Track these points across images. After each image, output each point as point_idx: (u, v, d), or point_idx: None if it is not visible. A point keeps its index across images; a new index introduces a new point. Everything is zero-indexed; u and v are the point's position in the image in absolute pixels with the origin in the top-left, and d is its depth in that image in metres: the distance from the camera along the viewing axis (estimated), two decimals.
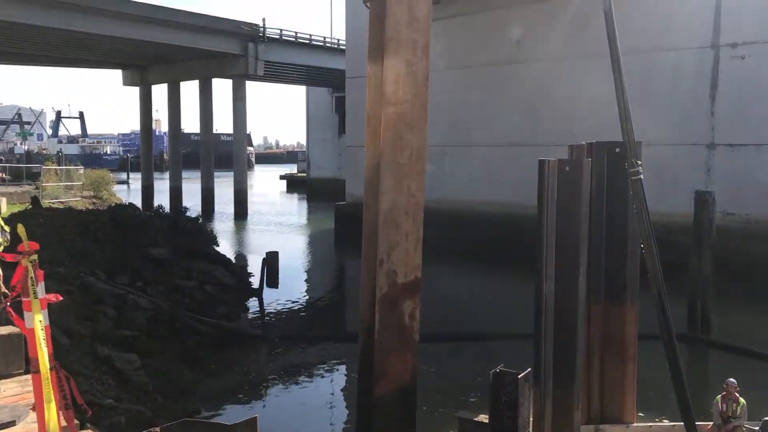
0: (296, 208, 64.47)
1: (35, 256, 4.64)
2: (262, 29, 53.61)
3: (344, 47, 48.02)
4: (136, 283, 19.37)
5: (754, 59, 27.26)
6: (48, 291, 4.85)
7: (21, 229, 4.63)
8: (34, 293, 4.58)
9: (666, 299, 8.64)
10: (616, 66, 7.45)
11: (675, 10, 29.15)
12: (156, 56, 55.45)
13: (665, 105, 28.28)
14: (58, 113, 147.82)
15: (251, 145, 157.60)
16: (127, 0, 43.93)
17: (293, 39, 57.57)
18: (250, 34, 52.81)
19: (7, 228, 6.09)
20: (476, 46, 35.35)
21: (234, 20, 53.17)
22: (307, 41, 59.17)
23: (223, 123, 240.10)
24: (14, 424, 6.15)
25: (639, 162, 8.56)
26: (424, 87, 5.48)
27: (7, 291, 5.47)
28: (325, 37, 61.52)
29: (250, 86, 58.54)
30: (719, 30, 28.19)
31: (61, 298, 5.30)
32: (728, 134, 27.72)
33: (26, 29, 41.01)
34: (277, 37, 55.77)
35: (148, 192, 61.14)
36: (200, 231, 26.72)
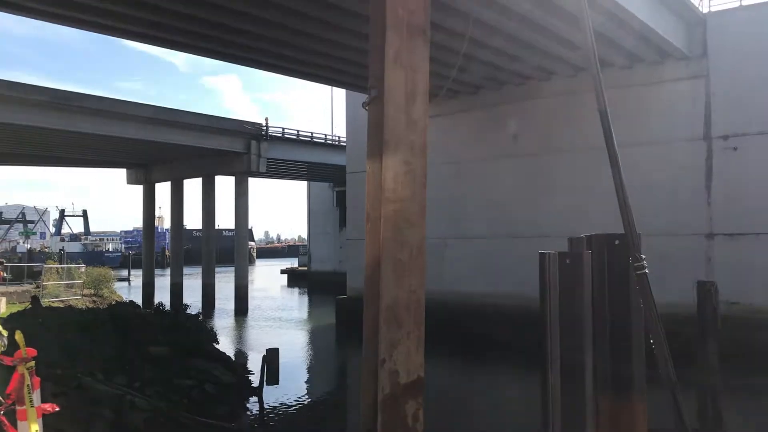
0: (297, 303, 64.04)
1: (32, 363, 4.58)
2: (264, 128, 54.99)
3: (345, 144, 49.10)
4: (135, 383, 18.99)
5: (746, 150, 27.84)
6: (44, 392, 4.75)
7: (19, 336, 4.59)
8: (30, 401, 4.50)
9: (680, 397, 8.46)
10: (614, 161, 7.60)
11: (668, 105, 30.04)
12: (160, 156, 56.61)
13: (663, 196, 28.67)
14: (62, 212, 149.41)
15: (252, 239, 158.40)
16: (134, 102, 45.30)
17: (295, 137, 58.95)
18: (253, 133, 54.09)
19: (5, 332, 6.05)
20: (474, 140, 36.17)
21: (238, 120, 54.57)
22: (309, 139, 60.56)
23: (224, 217, 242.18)
24: None
25: (643, 256, 8.59)
26: (422, 185, 5.57)
27: (1, 398, 5.37)
28: (326, 135, 63.02)
29: (252, 182, 59.54)
30: (710, 123, 28.92)
31: (58, 408, 5.19)
32: (726, 224, 27.95)
33: (34, 132, 42.03)
34: (280, 135, 57.13)
35: (149, 289, 60.93)
36: (200, 328, 26.46)
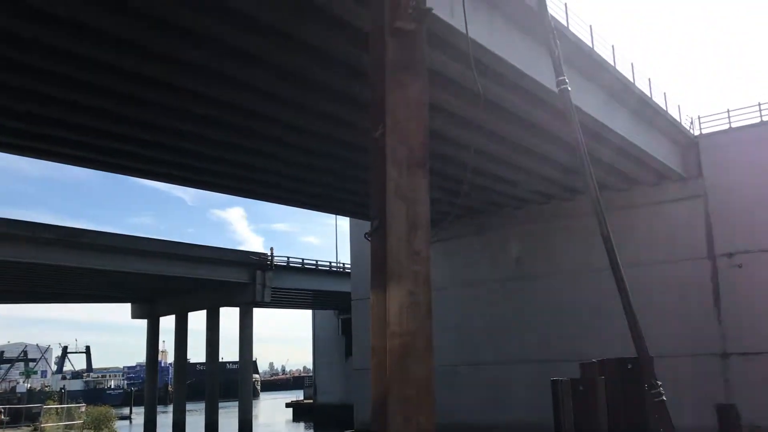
0: None
1: None
2: (270, 258, 55.28)
3: (349, 270, 49.15)
4: None
5: (752, 267, 27.72)
6: None
7: None
8: None
9: None
10: (622, 286, 7.52)
11: (669, 225, 30.25)
12: (165, 289, 56.57)
13: (673, 316, 28.24)
14: (65, 349, 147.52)
15: (257, 372, 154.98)
16: (140, 237, 45.93)
17: (300, 265, 59.14)
18: (258, 263, 54.33)
19: None
20: (478, 264, 36.18)
21: (243, 251, 55.05)
22: (314, 267, 60.72)
23: (229, 348, 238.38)
24: None
25: (659, 382, 8.32)
26: (428, 317, 5.48)
27: None
28: (330, 262, 63.27)
29: (257, 312, 59.34)
30: (713, 241, 29.00)
31: None
32: (740, 343, 27.36)
33: (45, 269, 42.29)
34: (285, 264, 57.34)
35: (150, 427, 58.95)
36: None
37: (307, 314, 77.74)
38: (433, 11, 14.28)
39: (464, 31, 17.40)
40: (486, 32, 18.78)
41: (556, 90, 5.14)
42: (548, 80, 19.27)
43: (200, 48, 17.46)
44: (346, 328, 63.83)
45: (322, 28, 16.64)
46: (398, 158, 4.99)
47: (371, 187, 5.35)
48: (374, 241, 5.81)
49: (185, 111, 21.28)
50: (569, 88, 4.86)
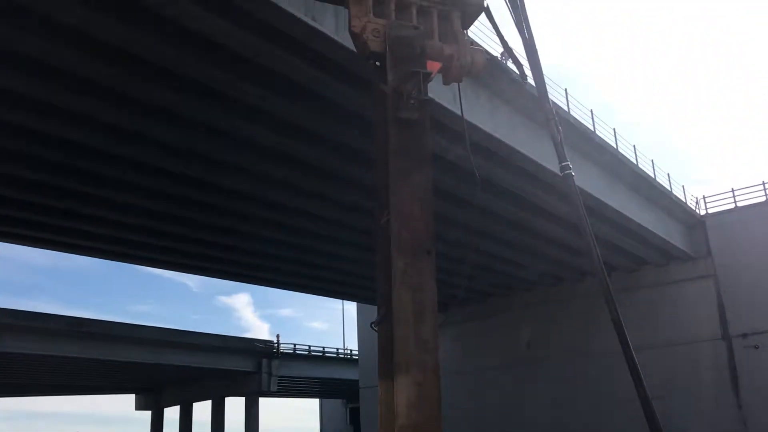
0: None
1: None
2: (276, 345, 54.43)
3: (357, 357, 48.29)
4: None
5: None
6: None
7: None
8: None
9: None
10: (636, 374, 7.26)
11: (680, 305, 29.78)
12: (169, 379, 55.52)
13: (690, 400, 27.38)
14: None
15: None
16: (144, 326, 45.39)
17: (307, 353, 58.15)
18: (264, 351, 53.46)
19: None
20: (489, 347, 35.47)
21: (248, 339, 54.27)
22: (321, 354, 59.68)
23: None
24: None
25: None
26: (437, 408, 5.26)
27: None
28: (337, 349, 62.21)
29: (263, 401, 57.84)
30: (726, 321, 28.47)
31: None
32: (761, 430, 26.35)
33: (45, 360, 41.65)
34: (291, 351, 56.39)
35: None
36: None
37: (314, 403, 75.90)
38: (436, 99, 14.52)
39: (467, 118, 17.75)
40: (488, 118, 19.09)
41: (560, 174, 5.12)
42: (551, 163, 19.44)
43: (213, 141, 17.82)
44: (354, 418, 62.11)
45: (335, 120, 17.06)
46: (403, 245, 4.90)
47: (377, 275, 5.24)
48: (381, 331, 5.66)
49: (190, 200, 21.46)
50: (573, 174, 4.85)
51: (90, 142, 17.54)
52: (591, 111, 25.14)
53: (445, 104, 15.97)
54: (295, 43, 14.04)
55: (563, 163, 5.10)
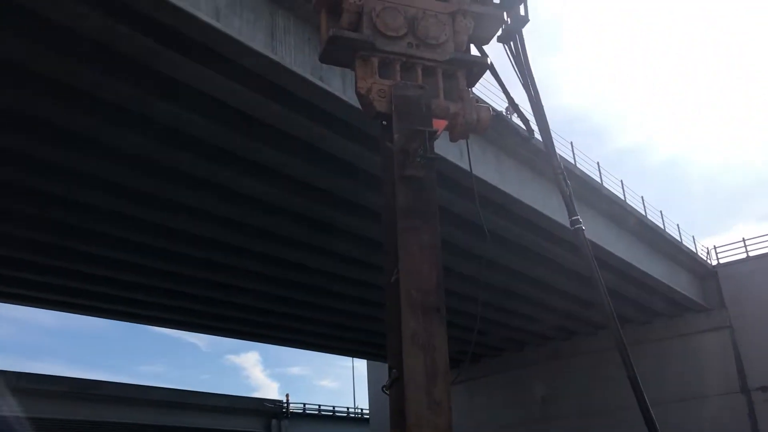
0: None
1: None
2: (285, 405, 53.58)
3: (368, 416, 47.44)
4: None
5: None
6: None
7: None
8: None
9: None
10: (652, 426, 7.04)
11: (695, 358, 29.23)
12: None
13: None
14: None
15: None
16: (152, 387, 44.90)
17: (317, 412, 57.17)
18: (273, 411, 52.62)
19: None
20: (504, 404, 34.75)
21: (257, 399, 53.50)
22: (331, 413, 58.66)
23: None
24: None
25: None
26: None
27: None
28: (348, 408, 61.17)
29: None
30: (745, 374, 27.87)
31: None
32: None
33: (52, 424, 41.07)
34: (301, 411, 55.46)
35: None
36: None
37: None
38: (443, 155, 14.61)
39: (474, 172, 17.86)
40: (495, 171, 19.19)
41: (570, 227, 5.08)
42: (560, 216, 19.43)
43: (221, 199, 17.95)
44: None
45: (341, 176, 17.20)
46: (413, 304, 4.83)
47: (387, 334, 5.16)
48: (392, 393, 5.52)
49: (198, 258, 21.46)
50: (583, 227, 4.81)
51: (97, 202, 17.66)
52: (597, 163, 25.27)
53: (453, 159, 16.08)
54: (302, 102, 14.25)
55: (573, 218, 5.05)
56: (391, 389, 5.29)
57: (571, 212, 5.04)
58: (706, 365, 28.88)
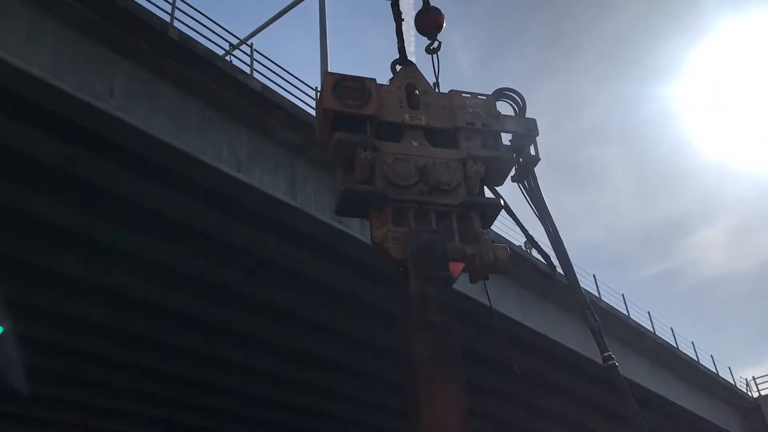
0: None
1: None
2: None
3: None
4: None
5: None
6: None
7: None
8: None
9: None
10: None
11: None
12: None
13: None
14: None
15: None
16: None
17: None
18: None
19: None
20: None
21: None
22: None
23: None
24: None
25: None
26: None
27: None
28: None
29: None
30: None
31: None
32: None
33: None
34: None
35: None
36: None
37: None
38: (467, 293, 14.42)
39: (499, 310, 17.67)
40: (518, 308, 18.93)
41: (603, 364, 4.88)
42: (591, 352, 18.88)
43: (234, 345, 17.78)
44: None
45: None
46: None
47: None
48: None
49: (204, 406, 20.92)
50: (617, 363, 4.63)
51: (98, 349, 17.45)
52: (623, 295, 24.89)
53: (476, 297, 15.97)
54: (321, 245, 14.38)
55: (605, 354, 4.85)
56: None
57: (603, 348, 4.85)
58: None
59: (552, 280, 17.53)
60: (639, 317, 24.90)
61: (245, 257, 14.48)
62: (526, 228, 5.53)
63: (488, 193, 5.05)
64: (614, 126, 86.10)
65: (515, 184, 5.25)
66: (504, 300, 18.24)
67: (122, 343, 16.77)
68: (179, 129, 11.87)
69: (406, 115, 4.92)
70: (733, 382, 29.58)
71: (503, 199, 5.02)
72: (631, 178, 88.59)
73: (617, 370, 4.86)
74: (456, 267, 4.63)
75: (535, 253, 18.64)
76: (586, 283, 22.51)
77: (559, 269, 5.28)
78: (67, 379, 18.19)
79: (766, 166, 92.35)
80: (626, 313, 24.03)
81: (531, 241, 5.94)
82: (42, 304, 15.01)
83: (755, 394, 30.39)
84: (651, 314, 26.05)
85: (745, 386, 30.63)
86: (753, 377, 31.25)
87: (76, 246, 13.48)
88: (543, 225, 5.15)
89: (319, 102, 4.94)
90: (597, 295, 22.85)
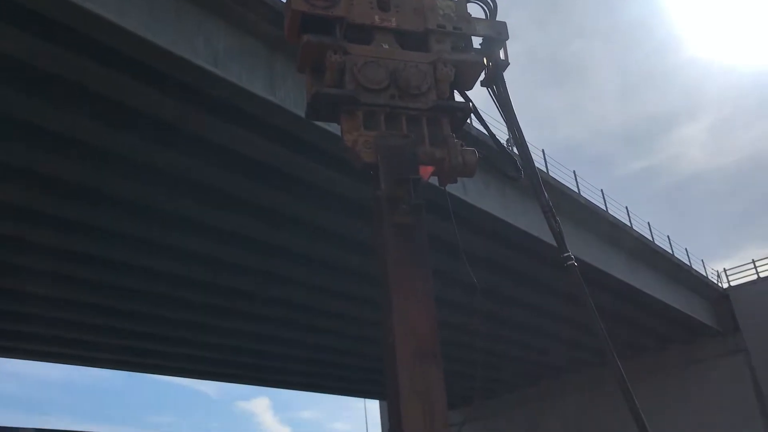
0: None
1: None
2: None
3: None
4: None
5: None
6: None
7: None
8: None
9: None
10: None
11: (713, 385, 28.70)
12: None
13: None
14: None
15: None
16: None
17: None
18: None
19: None
20: None
21: None
22: None
23: None
24: None
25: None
26: None
27: None
28: None
29: None
30: (764, 399, 27.42)
31: None
32: None
33: None
34: None
35: None
36: None
37: None
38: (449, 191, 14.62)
39: (478, 206, 17.93)
40: (500, 205, 19.17)
41: (563, 264, 5.07)
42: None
43: (235, 247, 18.05)
44: None
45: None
46: (409, 352, 4.82)
47: (386, 382, 5.14)
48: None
49: (201, 304, 21.43)
50: (575, 264, 4.83)
51: (97, 252, 17.74)
52: (601, 191, 25.21)
53: (457, 194, 16.26)
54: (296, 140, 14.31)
55: (565, 254, 5.06)
56: None
57: (562, 249, 5.05)
58: (724, 391, 28.42)
59: (517, 182, 17.82)
60: (618, 213, 25.40)
61: (226, 154, 14.44)
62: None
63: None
64: (601, 24, 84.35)
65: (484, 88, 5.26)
66: (484, 197, 18.44)
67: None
68: (152, 21, 11.49)
69: (377, 17, 4.86)
70: (705, 274, 30.57)
71: (473, 103, 5.06)
72: (615, 76, 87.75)
73: (576, 269, 5.07)
74: (426, 170, 4.73)
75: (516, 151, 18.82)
76: (566, 180, 22.73)
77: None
78: None
79: (749, 62, 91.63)
80: (604, 208, 24.45)
81: (498, 146, 5.99)
82: None
83: (725, 285, 31.47)
84: (629, 209, 26.57)
85: (716, 278, 31.67)
86: (724, 269, 32.29)
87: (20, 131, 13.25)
88: (509, 130, 5.22)
89: (288, 3, 4.85)
90: (576, 191, 23.12)
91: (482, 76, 5.19)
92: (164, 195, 15.71)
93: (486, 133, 5.70)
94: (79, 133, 13.35)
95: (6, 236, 16.41)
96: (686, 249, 29.81)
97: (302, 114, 13.24)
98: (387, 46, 4.87)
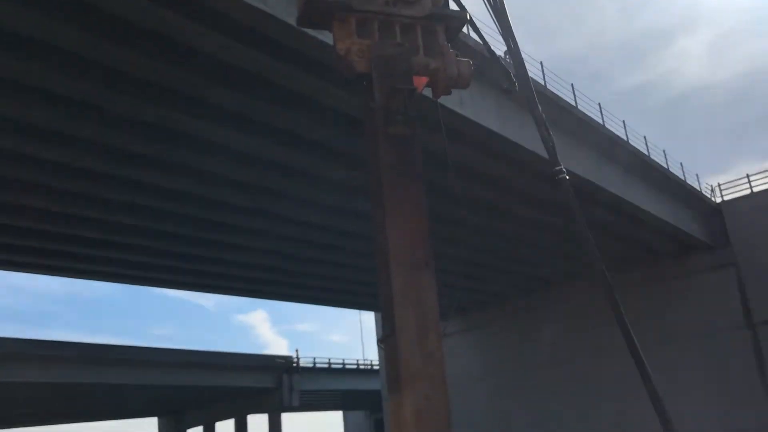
0: None
1: None
2: (295, 359, 54.27)
3: (378, 367, 48.20)
4: None
5: None
6: None
7: None
8: None
9: None
10: (642, 368, 7.18)
11: (701, 296, 29.34)
12: (190, 400, 55.54)
13: (716, 394, 26.84)
14: None
15: None
16: (163, 349, 45.51)
17: (326, 365, 57.98)
18: (284, 367, 53.33)
19: None
20: (510, 351, 35.12)
21: (268, 355, 54.29)
22: (341, 366, 59.47)
23: None
24: None
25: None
26: (446, 422, 5.23)
27: None
28: (357, 360, 61.95)
29: (286, 417, 57.28)
30: (750, 310, 28.09)
31: None
32: None
33: (64, 388, 41.78)
34: (311, 366, 56.21)
35: None
36: None
37: (338, 416, 75.63)
38: (444, 104, 14.51)
39: (474, 119, 17.77)
40: (495, 118, 19.00)
41: (555, 177, 5.10)
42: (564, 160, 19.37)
43: (229, 161, 17.98)
44: (379, 428, 61.99)
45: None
46: (401, 261, 4.90)
47: (379, 292, 5.26)
48: (387, 347, 5.64)
49: (199, 219, 21.57)
50: (567, 177, 4.85)
51: (98, 166, 17.71)
52: (599, 104, 24.94)
53: (453, 107, 16.10)
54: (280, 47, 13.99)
55: (557, 168, 5.08)
56: (385, 343, 5.41)
57: (554, 162, 5.07)
58: (713, 303, 29.08)
59: (511, 95, 17.62)
60: (614, 127, 25.23)
61: (215, 64, 14.20)
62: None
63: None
64: None
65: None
66: (480, 110, 18.25)
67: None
68: None
69: None
70: (698, 188, 30.71)
71: (468, 12, 4.95)
72: None
73: (567, 184, 5.10)
74: (420, 81, 4.67)
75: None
76: (563, 93, 22.45)
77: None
78: None
79: None
80: (601, 122, 24.29)
81: (493, 57, 5.89)
82: None
83: (719, 200, 31.65)
84: (626, 123, 26.38)
85: (710, 192, 31.82)
86: (718, 183, 32.36)
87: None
88: (505, 42, 5.12)
89: None
90: (574, 104, 22.88)
91: None
92: (155, 109, 15.53)
93: (481, 43, 5.59)
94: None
95: (6, 150, 16.36)
96: (681, 163, 29.87)
97: (293, 22, 13.10)
98: None
